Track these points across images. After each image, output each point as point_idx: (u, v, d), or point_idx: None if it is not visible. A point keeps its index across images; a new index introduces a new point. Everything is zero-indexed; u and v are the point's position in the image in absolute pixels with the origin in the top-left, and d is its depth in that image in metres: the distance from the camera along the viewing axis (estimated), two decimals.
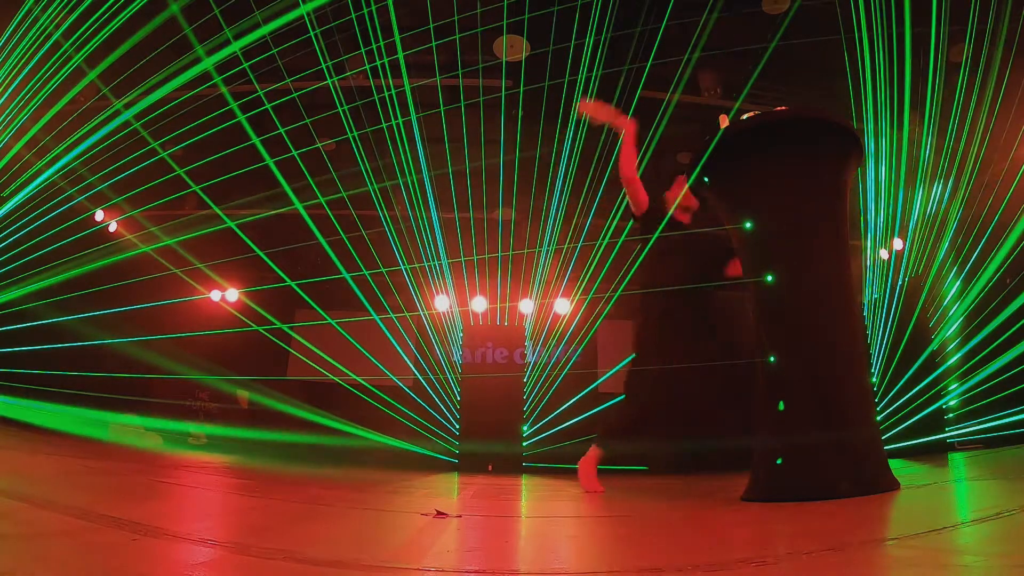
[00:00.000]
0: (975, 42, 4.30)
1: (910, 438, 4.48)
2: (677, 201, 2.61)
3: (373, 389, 5.75)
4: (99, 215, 5.85)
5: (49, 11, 4.44)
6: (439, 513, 1.47)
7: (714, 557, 0.98)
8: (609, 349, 6.13)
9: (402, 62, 4.50)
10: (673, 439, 2.83)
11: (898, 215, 5.04)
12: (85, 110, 4.87)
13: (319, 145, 5.36)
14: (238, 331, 5.90)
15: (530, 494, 2.63)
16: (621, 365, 5.62)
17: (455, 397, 5.74)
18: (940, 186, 4.89)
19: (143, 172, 4.94)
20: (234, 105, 4.41)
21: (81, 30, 4.37)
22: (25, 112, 4.80)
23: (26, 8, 4.54)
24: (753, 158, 2.01)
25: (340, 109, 4.83)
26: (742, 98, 4.70)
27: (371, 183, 5.20)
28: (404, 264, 5.74)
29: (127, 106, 4.58)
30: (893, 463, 1.86)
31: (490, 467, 5.22)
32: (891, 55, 4.29)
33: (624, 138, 2.59)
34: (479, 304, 6.00)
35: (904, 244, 5.11)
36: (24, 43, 4.62)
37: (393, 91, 4.83)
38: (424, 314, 5.95)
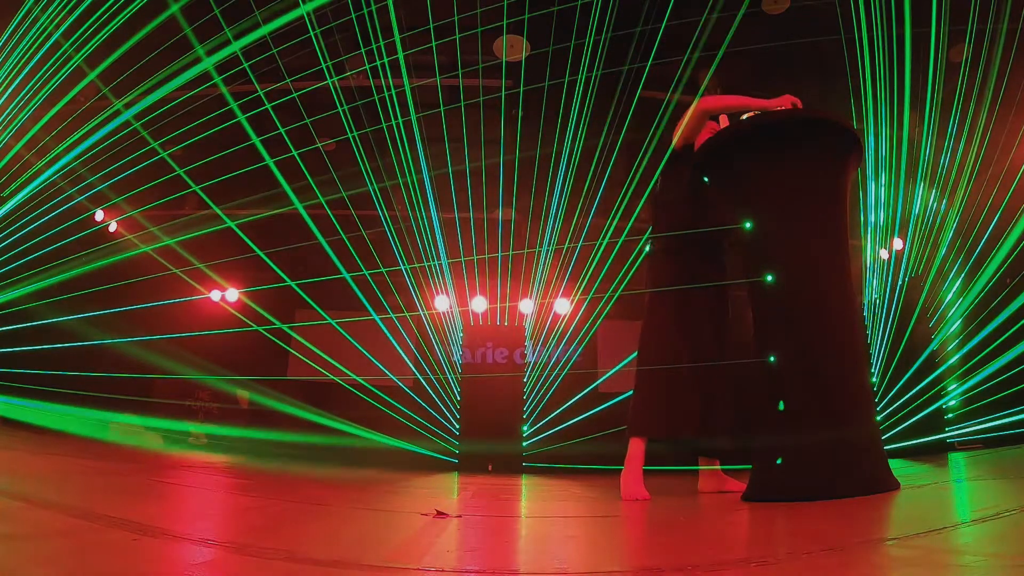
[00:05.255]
0: (975, 42, 4.30)
1: (910, 438, 4.48)
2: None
3: (373, 389, 5.75)
4: (99, 215, 5.85)
5: (49, 11, 4.44)
6: (439, 513, 1.47)
7: (714, 557, 0.98)
8: (609, 349, 6.12)
9: (402, 62, 4.50)
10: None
11: (898, 215, 5.04)
12: (85, 110, 4.87)
13: (319, 145, 5.36)
14: (238, 331, 5.90)
15: (530, 494, 2.63)
16: (621, 365, 5.63)
17: (455, 397, 5.74)
18: (940, 186, 4.89)
19: (143, 172, 4.94)
20: (234, 105, 4.41)
21: (81, 30, 4.37)
22: (25, 112, 4.80)
23: (26, 8, 4.55)
24: (753, 158, 2.01)
25: (340, 109, 4.83)
26: None
27: (371, 183, 5.20)
28: (404, 264, 5.73)
29: (127, 106, 4.58)
30: (893, 463, 1.86)
31: (490, 467, 5.22)
32: (891, 55, 4.29)
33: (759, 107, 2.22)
34: (479, 304, 6.00)
35: (904, 244, 5.11)
36: (24, 43, 4.62)
37: (393, 91, 4.83)
38: (424, 314, 5.94)
